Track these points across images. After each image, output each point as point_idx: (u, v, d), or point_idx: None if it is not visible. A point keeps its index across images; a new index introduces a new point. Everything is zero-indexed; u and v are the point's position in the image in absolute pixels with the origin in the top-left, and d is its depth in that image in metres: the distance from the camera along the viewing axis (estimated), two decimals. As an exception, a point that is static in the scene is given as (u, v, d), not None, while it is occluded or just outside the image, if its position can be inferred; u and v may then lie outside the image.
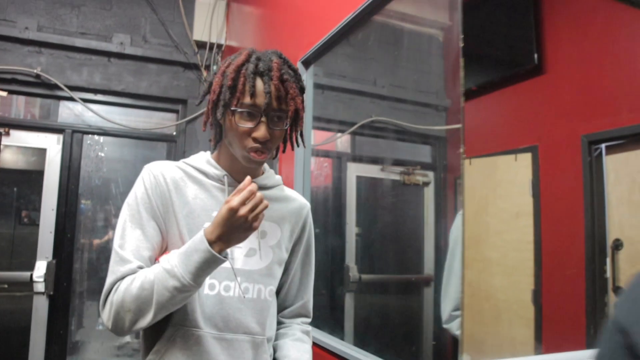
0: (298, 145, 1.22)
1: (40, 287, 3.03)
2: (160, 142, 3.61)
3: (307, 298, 1.32)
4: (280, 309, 1.29)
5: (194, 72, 3.53)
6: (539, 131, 2.75)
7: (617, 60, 2.11)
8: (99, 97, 3.40)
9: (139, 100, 3.49)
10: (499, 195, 2.71)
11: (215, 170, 1.17)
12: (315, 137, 3.62)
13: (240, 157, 1.13)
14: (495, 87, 3.04)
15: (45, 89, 3.24)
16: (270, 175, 1.25)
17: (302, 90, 1.14)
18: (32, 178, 3.32)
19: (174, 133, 3.58)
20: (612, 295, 2.66)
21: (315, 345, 1.60)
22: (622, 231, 2.59)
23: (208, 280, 1.08)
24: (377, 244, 3.30)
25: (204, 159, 1.20)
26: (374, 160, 3.50)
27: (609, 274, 2.74)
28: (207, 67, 3.53)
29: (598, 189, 2.74)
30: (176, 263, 1.00)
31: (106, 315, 1.05)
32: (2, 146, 3.07)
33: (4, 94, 2.46)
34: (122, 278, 1.05)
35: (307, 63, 2.12)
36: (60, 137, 3.33)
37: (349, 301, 3.14)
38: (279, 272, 1.22)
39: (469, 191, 2.37)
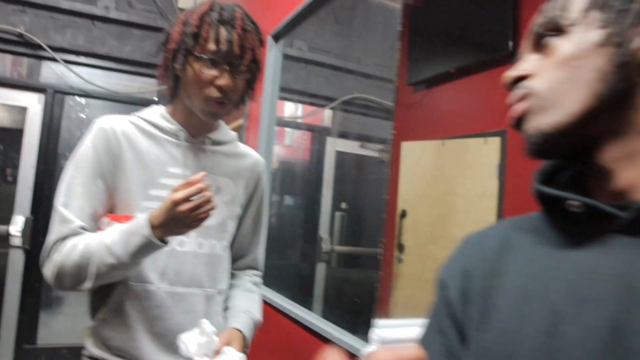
0: (249, 99, 1.21)
1: (17, 241, 3.12)
2: (142, 106, 3.64)
3: (258, 252, 1.34)
4: (232, 261, 1.30)
5: (178, 39, 3.57)
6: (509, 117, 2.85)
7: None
8: (82, 59, 3.42)
9: (122, 64, 3.51)
10: (468, 176, 2.81)
11: (170, 125, 1.16)
12: (299, 110, 3.67)
13: (199, 109, 1.11)
14: (473, 71, 3.11)
15: (28, 48, 3.26)
16: (225, 131, 1.25)
17: (261, 42, 1.14)
18: (13, 136, 3.37)
19: (156, 98, 3.62)
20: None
21: (282, 313, 1.70)
22: None
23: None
24: (352, 217, 3.40)
25: (157, 113, 1.19)
26: (354, 137, 3.58)
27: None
28: (192, 35, 3.57)
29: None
30: (117, 240, 1.00)
31: (48, 273, 1.06)
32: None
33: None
34: (64, 238, 1.06)
35: (276, 37, 2.17)
36: (42, 96, 3.36)
37: (320, 271, 3.26)
38: (232, 227, 1.23)
39: (440, 171, 2.48)
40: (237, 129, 2.61)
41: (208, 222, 1.10)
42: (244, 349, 1.14)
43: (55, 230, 1.07)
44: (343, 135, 3.60)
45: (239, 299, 1.24)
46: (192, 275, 1.13)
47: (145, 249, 1.00)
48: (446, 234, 2.54)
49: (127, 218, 1.08)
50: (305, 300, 1.92)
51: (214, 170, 1.18)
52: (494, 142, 2.92)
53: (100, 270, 1.02)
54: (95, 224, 1.09)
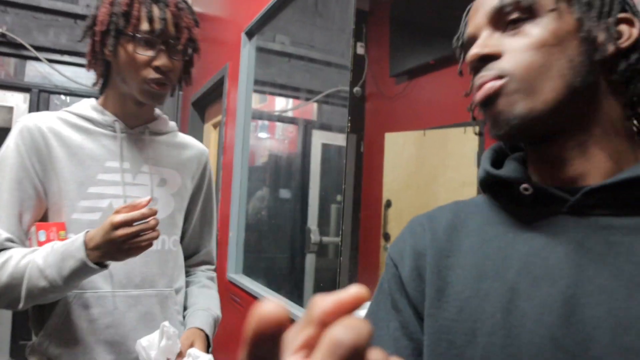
0: (186, 82, 1.15)
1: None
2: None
3: (210, 246, 1.28)
4: (184, 257, 1.22)
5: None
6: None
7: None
8: (66, 57, 3.45)
9: (106, 62, 3.54)
10: (448, 165, 2.88)
11: (103, 116, 1.07)
12: (287, 104, 3.71)
13: (138, 92, 1.03)
14: (451, 62, 3.15)
15: (11, 48, 3.28)
16: (164, 121, 1.17)
17: (196, 22, 1.08)
18: (2, 135, 3.38)
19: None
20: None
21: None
22: None
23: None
24: (339, 208, 3.46)
25: (88, 105, 1.09)
26: (339, 129, 3.62)
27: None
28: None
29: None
30: (50, 263, 0.91)
31: None
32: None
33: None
34: None
35: (250, 34, 2.22)
36: (27, 96, 3.40)
37: (309, 262, 3.32)
38: (181, 220, 1.17)
39: (422, 161, 2.55)
40: (216, 125, 2.66)
41: (160, 216, 1.00)
42: (208, 348, 1.08)
43: None
44: (328, 127, 3.64)
45: (196, 297, 1.19)
46: (144, 276, 1.05)
47: (80, 273, 0.91)
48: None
49: (59, 225, 1.00)
50: (293, 291, 1.98)
51: (156, 161, 1.12)
52: (473, 131, 3.00)
53: (32, 293, 0.92)
54: (24, 234, 1.00)
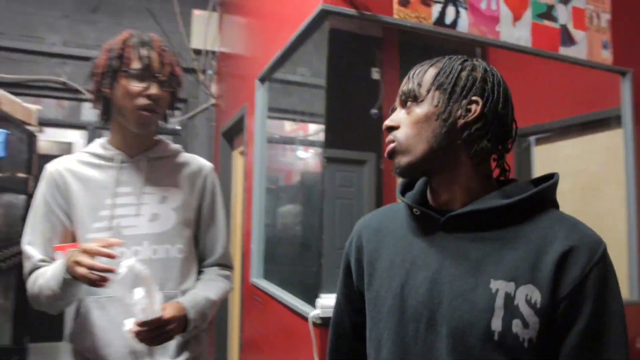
0: (178, 109, 1.46)
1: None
2: (169, 136, 4.23)
3: (223, 250, 1.38)
4: (201, 261, 1.36)
5: (192, 75, 4.13)
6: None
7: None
8: (114, 98, 4.02)
9: (148, 100, 4.10)
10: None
11: (108, 151, 1.26)
12: (311, 129, 4.10)
13: (132, 121, 1.20)
14: None
15: (70, 93, 3.86)
16: (164, 147, 1.33)
17: (177, 62, 1.27)
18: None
19: (178, 127, 4.20)
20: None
21: (296, 314, 1.87)
22: None
23: (118, 249, 1.10)
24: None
25: (98, 144, 1.29)
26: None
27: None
28: (203, 71, 4.12)
29: (526, 176, 3.28)
30: (52, 276, 1.12)
31: (29, 299, 1.21)
32: (39, 140, 3.74)
33: (39, 107, 3.09)
34: (30, 272, 1.20)
35: (262, 80, 2.62)
36: (84, 132, 3.99)
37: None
38: (186, 230, 1.29)
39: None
40: (242, 153, 3.12)
41: (157, 230, 1.22)
42: (186, 322, 1.17)
43: (24, 266, 1.22)
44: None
45: (196, 286, 1.30)
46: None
47: (65, 283, 1.09)
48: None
49: (73, 246, 1.17)
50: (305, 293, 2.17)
51: (156, 182, 1.27)
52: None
53: (48, 300, 1.15)
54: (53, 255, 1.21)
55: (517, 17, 2.07)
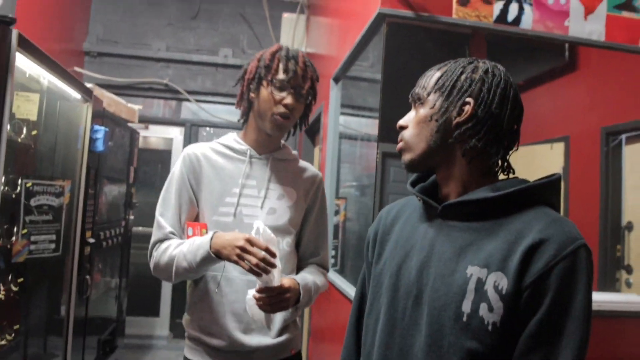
0: (307, 126, 1.46)
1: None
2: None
3: (323, 254, 1.46)
4: (302, 259, 1.44)
5: (280, 75, 4.37)
6: (570, 123, 3.16)
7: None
8: (209, 98, 4.37)
9: (239, 100, 4.42)
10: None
11: (241, 146, 1.37)
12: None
13: (267, 123, 1.31)
14: (537, 83, 3.38)
15: (172, 94, 4.29)
16: (288, 151, 1.44)
17: (317, 77, 1.37)
18: (165, 157, 4.47)
19: (266, 124, 4.46)
20: (622, 272, 2.95)
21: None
22: (634, 214, 2.93)
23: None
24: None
25: (231, 138, 1.40)
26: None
27: (621, 252, 3.04)
28: (290, 72, 4.34)
29: (615, 176, 3.08)
30: (190, 250, 1.21)
31: (151, 267, 1.31)
32: (141, 136, 4.20)
33: (140, 106, 3.49)
34: (160, 241, 1.30)
35: (336, 79, 2.75)
36: (182, 129, 4.40)
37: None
38: (294, 228, 1.39)
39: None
40: (321, 149, 3.28)
41: (273, 223, 1.31)
42: (298, 296, 1.27)
43: (154, 234, 1.31)
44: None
45: (304, 273, 1.40)
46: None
47: (206, 260, 1.20)
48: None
49: (202, 225, 1.30)
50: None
51: (277, 180, 1.38)
52: (559, 147, 3.20)
53: (178, 272, 1.24)
54: (181, 229, 1.32)
55: (589, 10, 1.99)
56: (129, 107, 3.17)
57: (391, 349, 0.86)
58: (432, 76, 0.89)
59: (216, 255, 1.17)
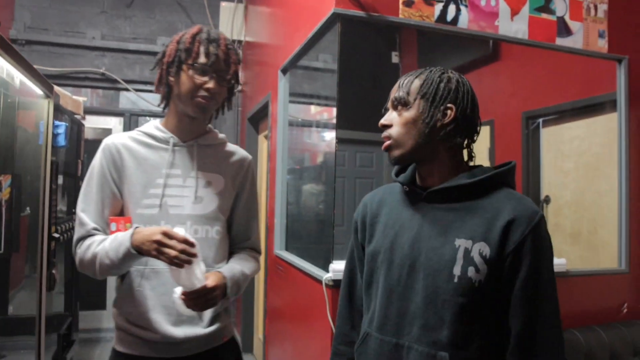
0: (229, 109, 1.42)
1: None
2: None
3: (254, 237, 1.47)
4: (233, 244, 1.43)
5: (220, 64, 4.40)
6: (495, 108, 3.48)
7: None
8: (148, 87, 4.29)
9: (179, 88, 4.40)
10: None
11: (163, 134, 1.31)
12: (329, 112, 4.33)
13: (189, 107, 1.26)
14: (464, 71, 3.68)
15: (109, 83, 4.18)
16: (213, 135, 1.39)
17: (239, 61, 1.32)
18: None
19: (207, 113, 4.49)
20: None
21: (312, 278, 2.11)
22: (550, 189, 3.30)
23: (164, 227, 1.15)
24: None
25: (153, 125, 1.33)
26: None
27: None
28: (231, 61, 4.38)
29: (534, 156, 3.44)
30: (112, 247, 1.17)
31: (76, 263, 1.28)
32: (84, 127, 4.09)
33: (85, 98, 3.42)
34: (82, 238, 1.25)
35: (284, 71, 2.83)
36: (122, 119, 4.33)
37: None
38: (224, 214, 1.36)
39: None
40: (267, 136, 3.39)
41: (200, 212, 1.29)
42: (225, 288, 1.25)
43: (76, 231, 1.27)
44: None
45: (232, 262, 1.38)
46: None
47: (128, 257, 1.16)
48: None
49: (127, 219, 1.24)
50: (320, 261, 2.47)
51: (203, 167, 1.33)
52: (485, 130, 3.51)
53: (102, 268, 1.20)
54: (105, 224, 1.26)
55: (515, 12, 2.26)
56: (75, 99, 3.11)
57: (390, 309, 1.04)
58: (412, 83, 1.04)
59: (137, 251, 1.14)
